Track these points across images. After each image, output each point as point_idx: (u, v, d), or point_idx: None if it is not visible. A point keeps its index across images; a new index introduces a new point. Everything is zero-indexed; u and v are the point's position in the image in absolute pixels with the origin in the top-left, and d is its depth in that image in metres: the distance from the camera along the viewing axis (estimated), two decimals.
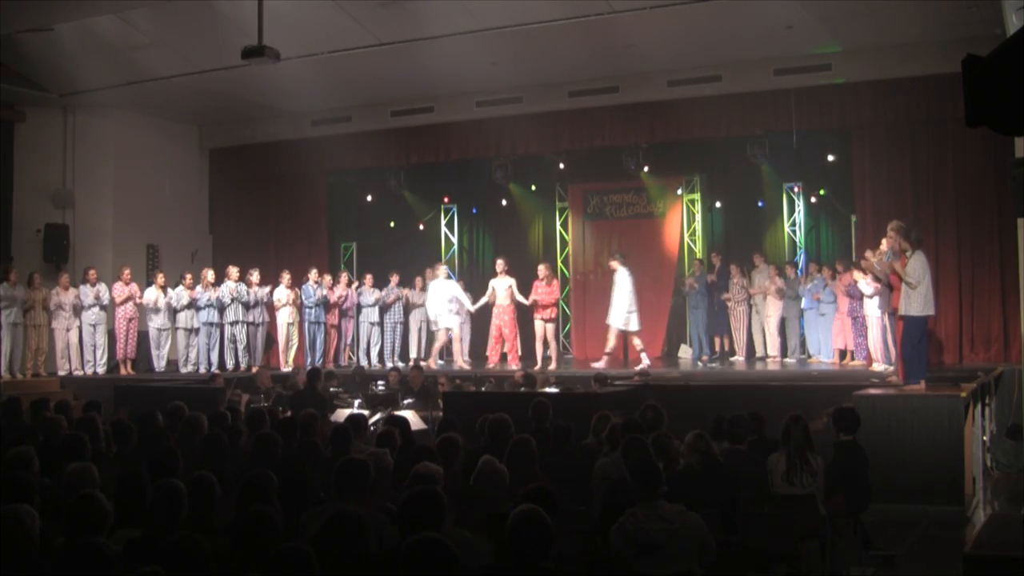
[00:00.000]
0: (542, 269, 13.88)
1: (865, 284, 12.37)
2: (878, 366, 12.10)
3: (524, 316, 14.45)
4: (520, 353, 14.36)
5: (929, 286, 9.41)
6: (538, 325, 13.88)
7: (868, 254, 11.66)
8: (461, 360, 14.64)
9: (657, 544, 4.53)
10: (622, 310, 13.53)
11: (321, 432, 7.43)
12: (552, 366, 13.46)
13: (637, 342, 13.69)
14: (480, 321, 15.22)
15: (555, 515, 4.56)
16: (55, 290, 13.92)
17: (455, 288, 14.70)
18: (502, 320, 14.21)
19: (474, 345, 15.64)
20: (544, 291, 13.76)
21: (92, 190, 15.57)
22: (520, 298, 13.88)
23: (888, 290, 10.81)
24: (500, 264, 14.32)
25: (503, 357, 14.33)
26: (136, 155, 16.02)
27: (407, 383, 12.18)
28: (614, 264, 13.80)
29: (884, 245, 10.56)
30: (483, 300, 14.41)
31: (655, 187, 16.43)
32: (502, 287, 14.12)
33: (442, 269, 14.97)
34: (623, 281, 13.57)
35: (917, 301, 9.28)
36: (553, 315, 13.95)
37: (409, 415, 9.20)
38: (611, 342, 13.74)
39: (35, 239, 15.07)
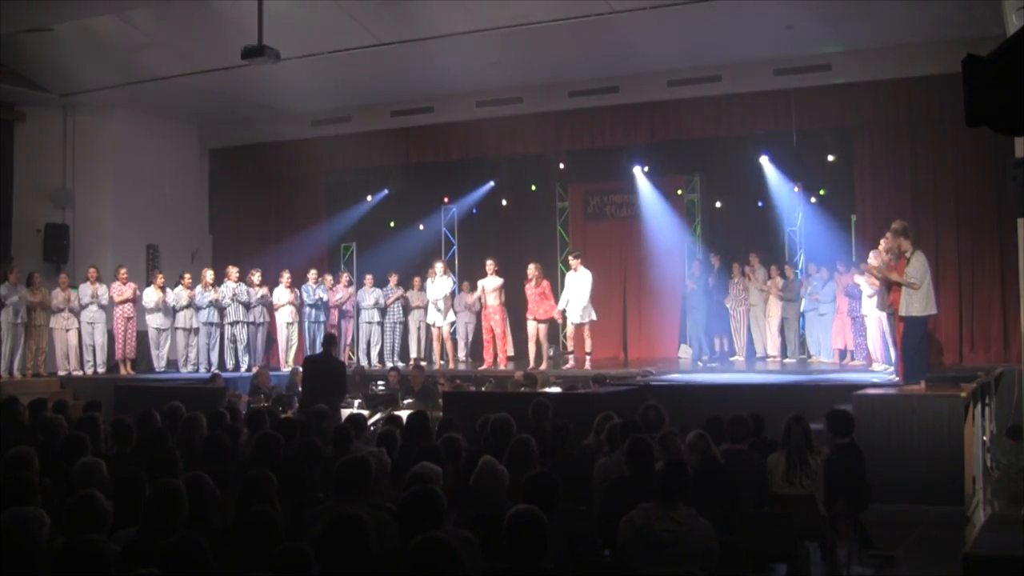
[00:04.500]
0: (531, 269, 13.79)
1: (866, 284, 12.37)
2: (878, 366, 12.10)
3: (518, 317, 14.46)
4: (511, 353, 14.37)
5: (930, 285, 9.40)
6: (530, 325, 13.81)
7: (871, 256, 11.69)
8: (453, 361, 14.71)
9: (663, 544, 4.53)
10: (579, 306, 13.45)
11: (322, 430, 7.42)
12: (543, 366, 13.44)
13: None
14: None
15: (557, 504, 4.57)
16: (55, 290, 13.93)
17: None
18: (492, 320, 14.25)
19: (475, 346, 15.65)
20: (533, 292, 13.69)
21: (92, 190, 15.58)
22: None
23: (885, 290, 10.79)
24: (490, 264, 14.31)
25: (494, 358, 14.36)
26: (136, 155, 16.01)
27: (407, 383, 12.19)
28: (576, 262, 13.49)
29: (882, 245, 10.56)
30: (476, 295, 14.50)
31: (655, 187, 16.45)
32: (490, 287, 14.15)
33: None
34: (584, 279, 13.44)
35: (919, 301, 9.27)
36: (546, 315, 13.88)
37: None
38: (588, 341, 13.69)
39: (35, 239, 15.09)
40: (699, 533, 4.59)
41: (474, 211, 18.54)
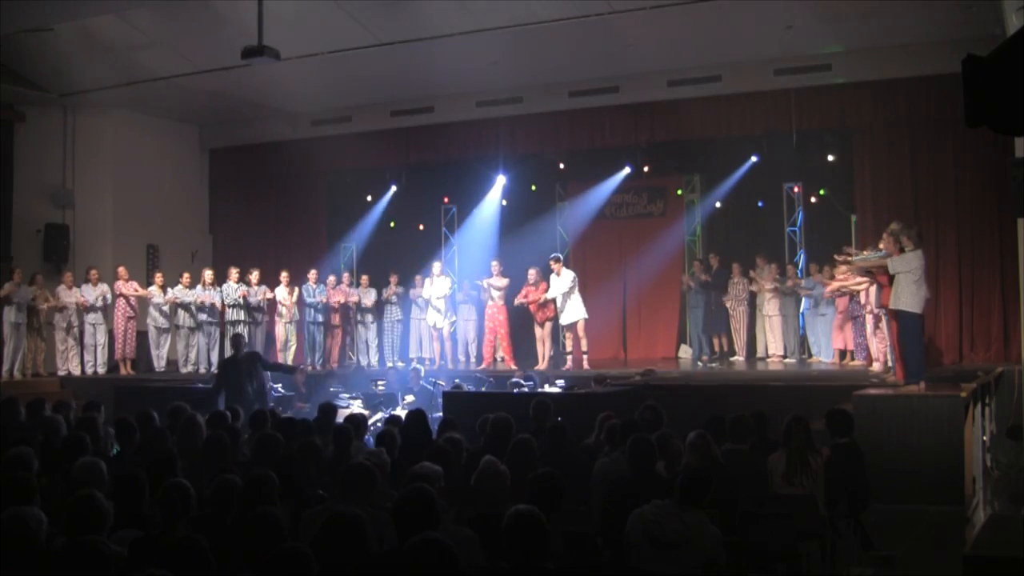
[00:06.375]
0: (532, 274, 13.85)
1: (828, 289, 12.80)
2: (877, 366, 12.08)
3: (521, 317, 14.47)
4: (514, 353, 14.38)
5: (922, 283, 9.40)
6: (537, 328, 13.89)
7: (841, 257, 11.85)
8: (452, 361, 14.72)
9: (670, 543, 4.55)
10: (566, 308, 13.44)
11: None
12: (543, 365, 13.46)
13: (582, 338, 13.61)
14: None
15: (560, 504, 4.57)
16: (58, 289, 13.94)
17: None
18: (496, 321, 14.31)
19: (475, 346, 15.65)
20: (534, 295, 13.73)
21: (92, 190, 15.58)
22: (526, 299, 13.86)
23: (879, 289, 10.80)
24: (495, 265, 14.37)
25: (499, 359, 14.36)
26: (136, 155, 16.02)
27: (407, 382, 12.20)
28: (558, 265, 13.41)
29: (881, 246, 10.56)
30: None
31: (655, 187, 16.44)
32: (497, 287, 14.21)
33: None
34: (565, 281, 13.38)
35: (906, 296, 9.27)
36: (547, 316, 13.87)
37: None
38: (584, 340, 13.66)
39: (35, 239, 15.08)
40: (707, 539, 4.60)
41: (474, 211, 18.48)
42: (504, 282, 14.30)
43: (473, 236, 17.70)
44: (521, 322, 14.56)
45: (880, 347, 11.97)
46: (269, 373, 11.53)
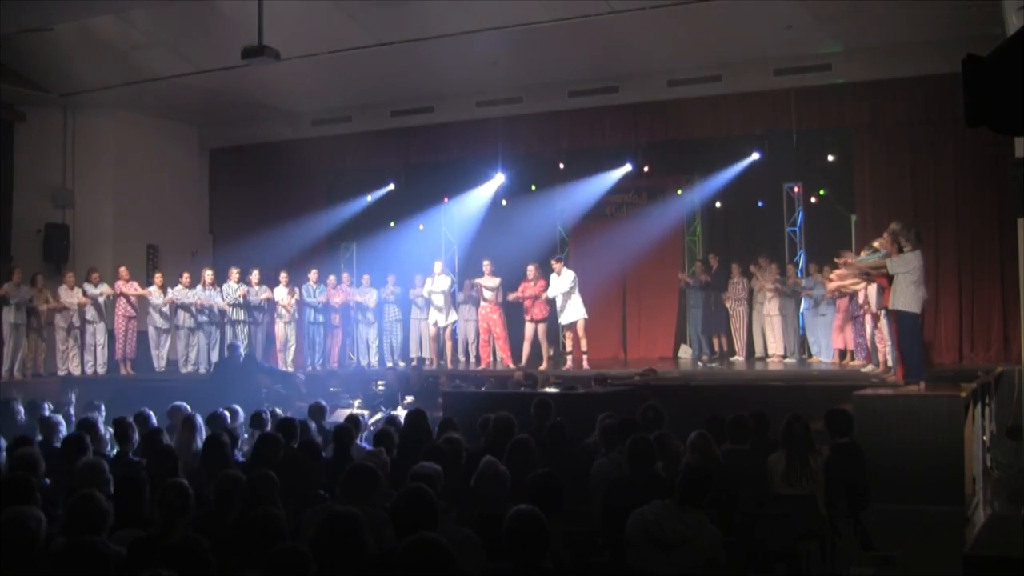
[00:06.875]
0: (531, 270, 13.85)
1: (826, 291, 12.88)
2: (872, 367, 12.04)
3: (514, 316, 14.47)
4: (510, 353, 14.40)
5: (920, 284, 9.41)
6: (528, 326, 13.85)
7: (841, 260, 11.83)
8: (451, 361, 14.70)
9: (669, 544, 4.55)
10: (565, 307, 13.44)
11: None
12: (543, 366, 13.45)
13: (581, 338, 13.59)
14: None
15: (561, 504, 4.57)
16: (59, 289, 13.94)
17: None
18: (489, 320, 14.32)
19: (476, 345, 15.65)
20: (532, 291, 13.72)
21: (92, 190, 15.59)
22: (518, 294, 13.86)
23: (879, 290, 10.80)
24: (486, 265, 14.37)
25: (499, 359, 14.37)
26: (136, 155, 16.02)
27: (407, 382, 12.20)
28: (559, 265, 13.44)
29: (877, 244, 10.56)
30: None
31: (655, 187, 16.43)
32: (488, 287, 14.22)
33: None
34: (565, 281, 13.37)
35: (905, 296, 9.27)
36: (542, 315, 13.85)
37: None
38: (583, 340, 13.64)
39: (35, 239, 15.09)
40: (707, 539, 4.59)
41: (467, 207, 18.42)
42: (495, 282, 14.28)
43: (473, 236, 17.71)
44: (517, 321, 14.56)
45: (881, 348, 11.97)
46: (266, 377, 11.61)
